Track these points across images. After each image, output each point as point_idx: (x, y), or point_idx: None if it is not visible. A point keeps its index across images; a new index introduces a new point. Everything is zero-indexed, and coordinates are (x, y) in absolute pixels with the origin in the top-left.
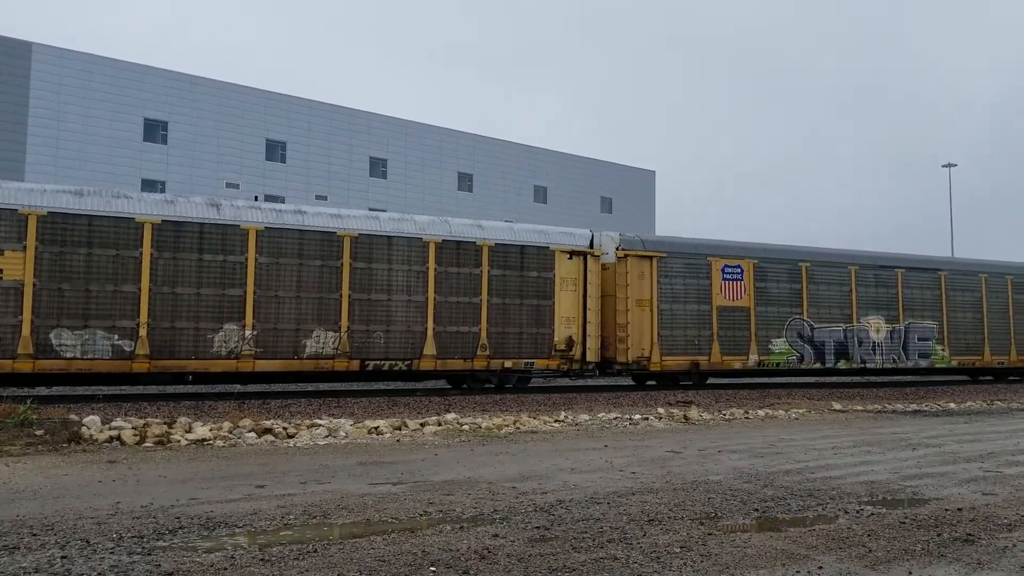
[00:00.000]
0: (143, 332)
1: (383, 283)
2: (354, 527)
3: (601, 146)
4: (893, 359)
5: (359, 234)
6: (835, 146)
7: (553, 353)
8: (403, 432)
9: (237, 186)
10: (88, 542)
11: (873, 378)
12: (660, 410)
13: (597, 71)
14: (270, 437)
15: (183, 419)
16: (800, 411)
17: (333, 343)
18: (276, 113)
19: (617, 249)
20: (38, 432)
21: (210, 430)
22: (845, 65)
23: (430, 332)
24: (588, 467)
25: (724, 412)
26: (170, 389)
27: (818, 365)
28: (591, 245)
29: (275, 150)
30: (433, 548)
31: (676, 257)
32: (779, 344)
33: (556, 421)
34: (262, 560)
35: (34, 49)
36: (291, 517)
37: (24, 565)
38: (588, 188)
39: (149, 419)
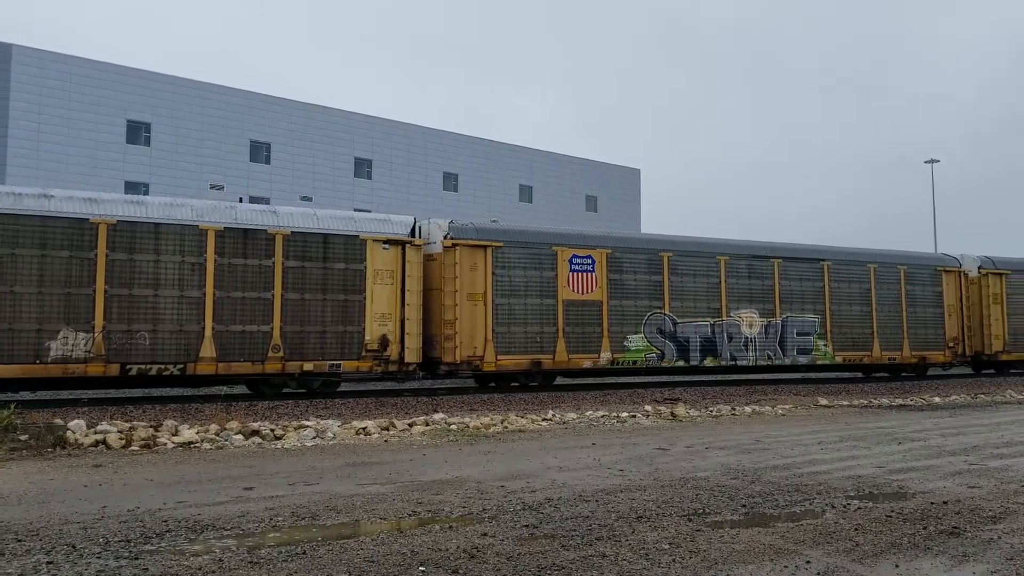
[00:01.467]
0: None
1: (149, 276)
2: (343, 528)
3: (588, 145)
4: (768, 355)
5: (118, 221)
6: (819, 144)
7: (364, 354)
8: (391, 432)
9: (221, 188)
10: (74, 547)
11: (748, 376)
12: (647, 407)
13: (584, 70)
14: (257, 439)
15: (169, 422)
16: (786, 407)
17: (85, 345)
18: (261, 114)
19: (445, 238)
20: (22, 437)
21: (197, 433)
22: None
23: (208, 332)
24: (576, 465)
25: (711, 409)
26: (156, 392)
27: (682, 363)
28: (413, 233)
29: (260, 151)
30: (422, 548)
31: (515, 246)
32: (636, 341)
33: (544, 420)
34: (250, 563)
35: (14, 51)
36: (279, 519)
37: (9, 571)
38: (573, 187)
39: (135, 422)
